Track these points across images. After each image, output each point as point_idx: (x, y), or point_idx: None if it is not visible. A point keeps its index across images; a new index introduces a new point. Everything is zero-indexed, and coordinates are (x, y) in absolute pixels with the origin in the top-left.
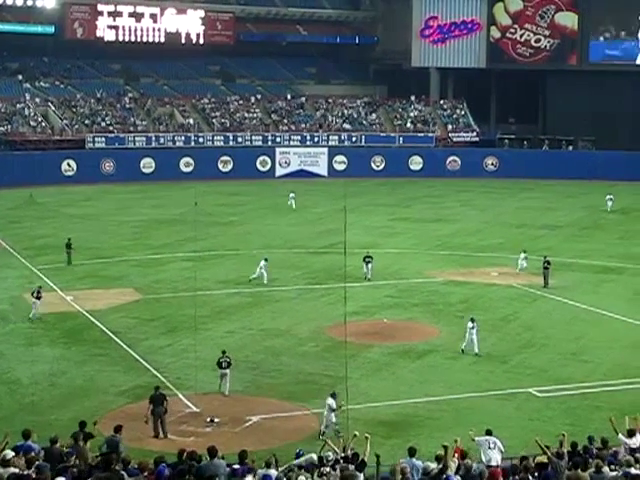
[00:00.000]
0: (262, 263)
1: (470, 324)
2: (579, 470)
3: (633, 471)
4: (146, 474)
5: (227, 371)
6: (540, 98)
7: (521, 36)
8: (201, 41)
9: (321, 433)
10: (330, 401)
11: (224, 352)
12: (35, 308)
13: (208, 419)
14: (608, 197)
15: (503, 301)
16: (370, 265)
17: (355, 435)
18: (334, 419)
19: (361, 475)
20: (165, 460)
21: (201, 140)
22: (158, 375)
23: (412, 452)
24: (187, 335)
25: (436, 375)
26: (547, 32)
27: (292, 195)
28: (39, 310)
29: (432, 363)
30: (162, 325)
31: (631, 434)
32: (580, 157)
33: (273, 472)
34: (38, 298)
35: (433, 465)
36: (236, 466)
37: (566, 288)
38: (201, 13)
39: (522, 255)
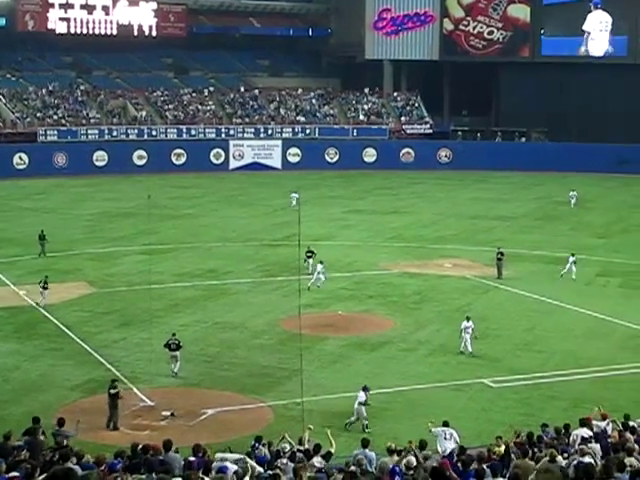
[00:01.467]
0: (319, 267)
1: (465, 323)
2: (527, 459)
3: (586, 460)
4: (102, 468)
5: (177, 353)
6: (493, 90)
7: (474, 28)
8: (154, 33)
9: (350, 424)
10: (360, 394)
11: (174, 334)
12: (44, 297)
13: (168, 412)
14: (571, 193)
15: (457, 292)
16: (311, 260)
17: (309, 428)
18: (364, 413)
19: (317, 464)
20: (124, 454)
21: (154, 133)
22: (112, 369)
23: (365, 443)
24: (142, 329)
25: (391, 367)
26: (500, 24)
27: (295, 195)
28: (47, 299)
29: (387, 355)
30: (116, 319)
31: (583, 424)
32: (533, 149)
33: (229, 464)
34: (45, 288)
35: (413, 459)
36: (191, 458)
37: (519, 279)
38: (153, 5)
39: (571, 258)
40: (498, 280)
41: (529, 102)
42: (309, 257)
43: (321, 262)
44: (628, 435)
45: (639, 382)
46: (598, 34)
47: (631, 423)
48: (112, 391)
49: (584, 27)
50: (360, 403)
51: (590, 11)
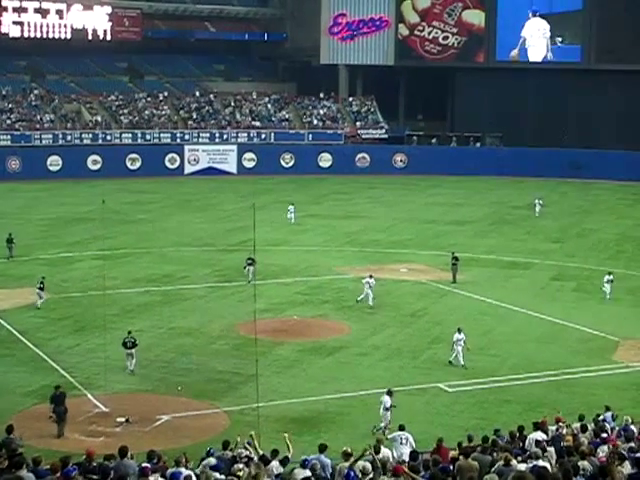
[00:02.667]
0: (370, 281)
1: (457, 335)
2: (469, 459)
3: (541, 463)
4: (58, 475)
5: (132, 351)
6: (448, 95)
7: (429, 33)
8: (108, 37)
9: (377, 429)
10: (385, 399)
11: (129, 332)
12: (42, 298)
13: (123, 419)
14: (536, 201)
15: (412, 297)
16: (252, 268)
17: (251, 435)
18: (389, 417)
19: (274, 469)
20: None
21: (109, 138)
22: (66, 375)
23: (322, 448)
24: (96, 334)
25: (346, 371)
26: (455, 30)
27: (291, 208)
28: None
29: (342, 359)
30: (71, 325)
31: (537, 427)
32: (487, 153)
33: (183, 470)
34: (41, 289)
35: (369, 464)
36: (145, 465)
37: (474, 283)
38: (108, 9)
39: (606, 277)
40: (453, 284)
41: (484, 107)
42: (249, 264)
43: (370, 276)
44: (582, 439)
45: (592, 385)
46: (537, 40)
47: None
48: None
49: (522, 33)
50: (386, 408)
51: (528, 18)
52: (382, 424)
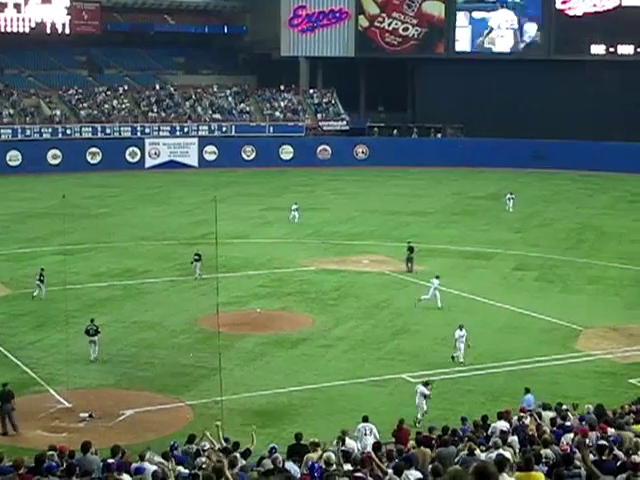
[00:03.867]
0: (435, 282)
1: (459, 332)
2: (421, 447)
3: (503, 452)
4: (21, 471)
5: (95, 338)
6: (409, 86)
7: (389, 25)
8: (67, 31)
9: (417, 421)
10: (422, 388)
11: (92, 320)
12: (41, 289)
13: (86, 414)
14: (508, 196)
15: (375, 288)
16: (199, 264)
17: (217, 426)
18: (425, 407)
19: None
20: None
21: (69, 132)
22: (28, 371)
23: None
24: (58, 330)
25: (310, 363)
26: (415, 21)
27: (295, 207)
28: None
29: (306, 352)
30: (32, 320)
31: (500, 417)
32: (448, 144)
33: (147, 465)
34: (41, 281)
35: (333, 455)
36: (110, 460)
37: (436, 274)
38: (66, 3)
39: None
40: (413, 275)
41: (445, 98)
42: (197, 260)
43: (437, 277)
44: (545, 427)
45: (555, 374)
46: (504, 32)
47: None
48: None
49: (489, 23)
50: (424, 396)
51: (496, 9)
52: (418, 415)
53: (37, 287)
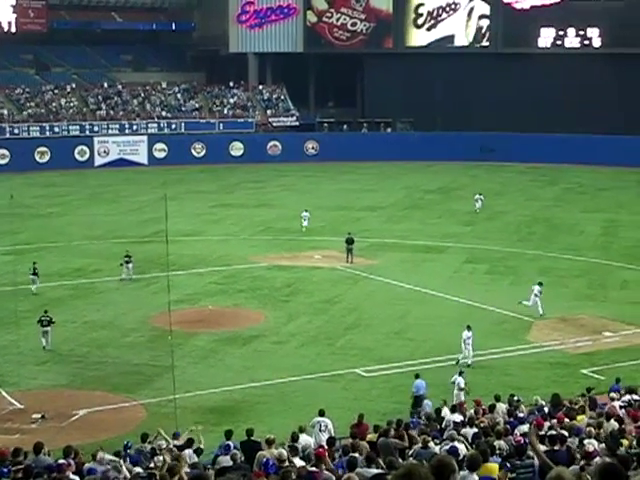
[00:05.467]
0: (536, 288)
1: (466, 333)
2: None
3: (457, 445)
4: None
5: (48, 329)
6: (358, 81)
7: (337, 20)
8: (13, 29)
9: None
10: (458, 379)
11: (45, 311)
12: (35, 284)
13: (38, 415)
14: (477, 197)
15: (327, 283)
16: (131, 265)
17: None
18: (462, 398)
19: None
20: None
21: (16, 131)
22: None
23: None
24: (8, 330)
25: (263, 360)
26: (363, 16)
27: (306, 214)
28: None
29: (259, 348)
30: None
31: (454, 410)
32: (398, 139)
33: (99, 465)
34: (127, 262)
35: (285, 452)
36: (61, 461)
37: (388, 268)
38: (12, 1)
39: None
40: (364, 269)
41: (394, 93)
42: (127, 262)
43: (539, 283)
44: (499, 419)
45: (507, 366)
46: (453, 25)
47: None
48: None
49: (438, 18)
50: (460, 388)
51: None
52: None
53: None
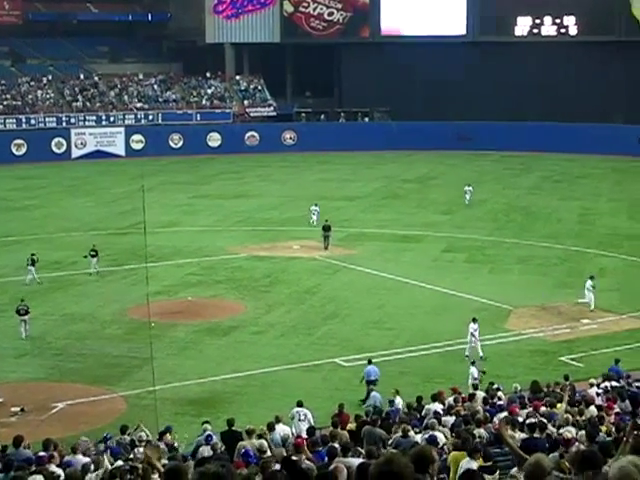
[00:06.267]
0: (589, 283)
1: (473, 325)
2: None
3: (437, 434)
4: None
5: (25, 317)
6: (335, 71)
7: (314, 10)
8: None
9: None
10: (472, 369)
11: (22, 300)
12: (31, 274)
13: (18, 408)
14: (466, 188)
15: (306, 273)
16: (96, 259)
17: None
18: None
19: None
20: None
21: None
22: None
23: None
24: None
25: (243, 351)
26: (339, 5)
27: (315, 208)
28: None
29: (238, 339)
30: None
31: (435, 399)
32: (376, 128)
33: (80, 457)
34: (93, 257)
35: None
36: (41, 453)
37: (367, 258)
38: None
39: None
40: (342, 259)
41: (371, 82)
42: (93, 256)
43: (591, 277)
44: (478, 407)
45: (486, 354)
46: (429, 15)
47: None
48: None
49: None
50: (474, 378)
51: None
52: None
53: (29, 272)
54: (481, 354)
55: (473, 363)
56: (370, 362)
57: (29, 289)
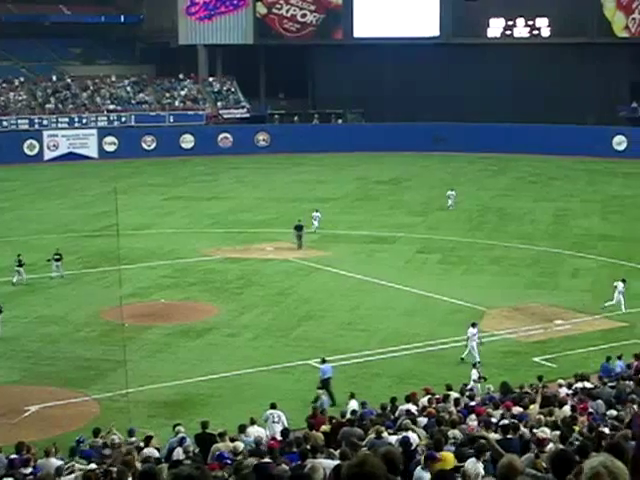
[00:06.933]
0: (620, 286)
1: (472, 330)
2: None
3: (411, 434)
4: None
5: None
6: (308, 73)
7: (287, 11)
8: None
9: None
10: (472, 371)
11: None
12: (20, 275)
13: None
14: (449, 193)
15: (280, 275)
16: (59, 263)
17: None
18: (478, 389)
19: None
20: None
21: None
22: None
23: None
24: None
25: (216, 353)
26: (312, 7)
27: (317, 214)
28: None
29: (212, 341)
30: None
31: (408, 400)
32: (349, 130)
33: (53, 461)
34: (57, 260)
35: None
36: (13, 456)
37: (341, 260)
38: None
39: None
40: (316, 261)
41: (344, 84)
42: (57, 260)
43: (623, 280)
44: (452, 408)
45: (458, 355)
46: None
47: (454, 394)
48: None
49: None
50: (474, 381)
51: None
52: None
53: (16, 273)
54: (477, 359)
55: (474, 365)
56: (324, 361)
57: (1, 291)
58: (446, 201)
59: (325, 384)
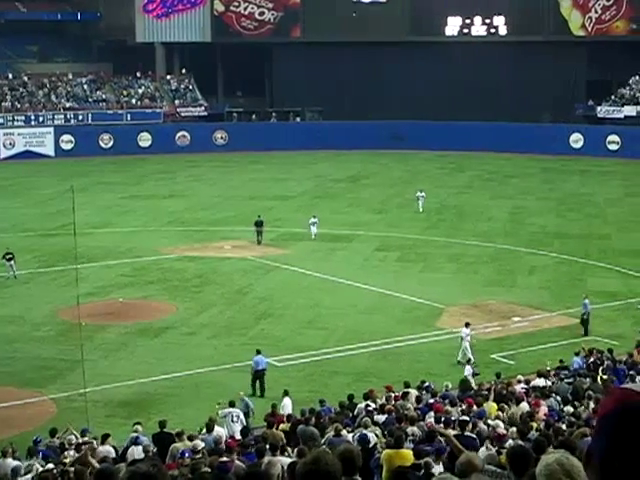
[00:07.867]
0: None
1: (465, 330)
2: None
3: (368, 433)
4: None
5: None
6: (266, 71)
7: (245, 9)
8: None
9: None
10: (467, 367)
11: None
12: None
13: None
14: (418, 194)
15: (238, 274)
16: (12, 262)
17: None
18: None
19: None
20: None
21: None
22: None
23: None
24: None
25: (174, 352)
26: (270, 5)
27: (314, 220)
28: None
29: (170, 340)
30: None
31: (366, 397)
32: (308, 128)
33: (10, 461)
34: (9, 260)
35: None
36: None
37: (299, 258)
38: None
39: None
40: (274, 259)
41: (302, 82)
42: (9, 259)
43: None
44: (409, 405)
45: (418, 352)
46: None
47: (413, 391)
48: None
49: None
50: (468, 377)
51: None
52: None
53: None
54: (471, 358)
55: (468, 361)
56: (259, 352)
57: None
58: (416, 202)
59: (258, 375)
